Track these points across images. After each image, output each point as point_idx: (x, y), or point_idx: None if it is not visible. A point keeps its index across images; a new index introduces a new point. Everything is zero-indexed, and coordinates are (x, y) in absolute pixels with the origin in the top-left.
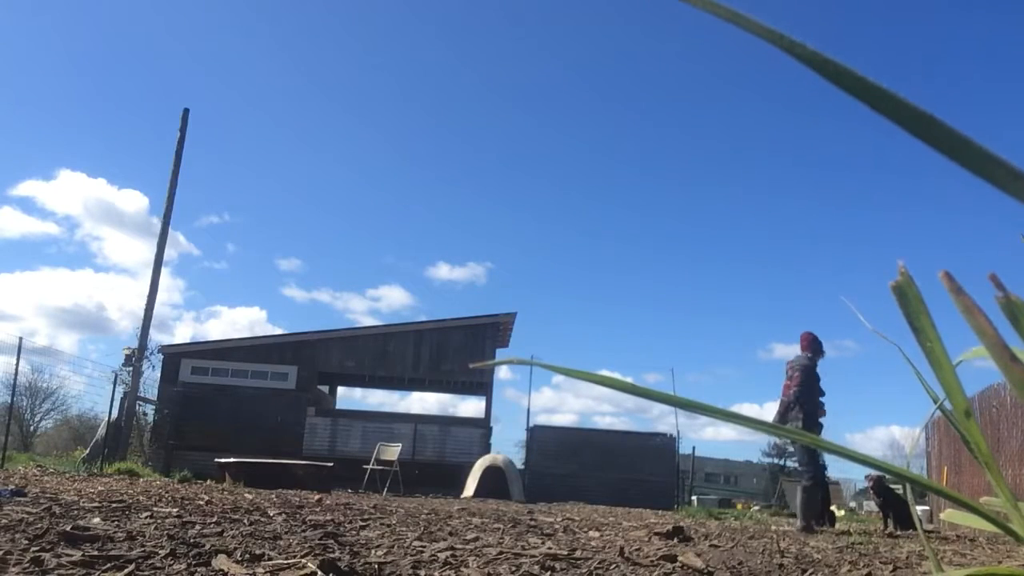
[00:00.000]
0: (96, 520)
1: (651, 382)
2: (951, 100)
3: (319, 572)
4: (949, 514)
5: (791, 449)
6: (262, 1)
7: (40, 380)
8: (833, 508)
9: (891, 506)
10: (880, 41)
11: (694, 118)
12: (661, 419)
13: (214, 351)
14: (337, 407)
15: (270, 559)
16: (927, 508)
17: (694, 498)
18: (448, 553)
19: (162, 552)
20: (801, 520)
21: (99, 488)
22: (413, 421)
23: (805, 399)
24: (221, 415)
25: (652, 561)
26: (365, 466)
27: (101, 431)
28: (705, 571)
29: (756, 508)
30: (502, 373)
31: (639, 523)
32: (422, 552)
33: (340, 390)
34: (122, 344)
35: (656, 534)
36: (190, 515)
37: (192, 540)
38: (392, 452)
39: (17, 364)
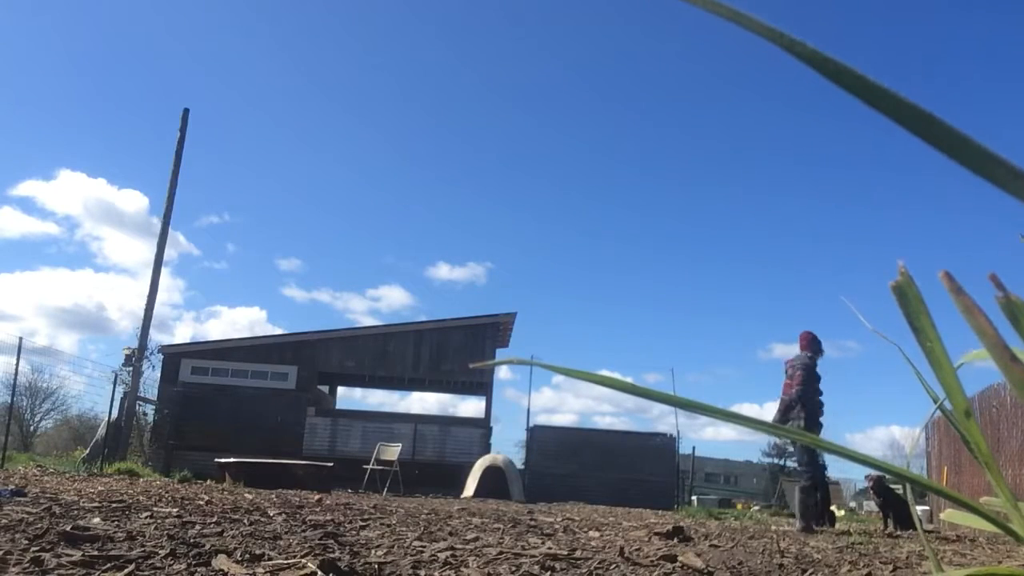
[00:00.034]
0: (96, 520)
1: (651, 382)
2: (951, 99)
3: (319, 572)
4: (949, 514)
5: (791, 449)
6: (262, 1)
7: (40, 380)
8: (833, 508)
9: (891, 506)
10: (880, 40)
11: (694, 118)
12: (661, 419)
13: (214, 351)
14: (337, 407)
15: (270, 559)
16: (927, 508)
17: (694, 498)
18: (448, 553)
19: (162, 552)
20: (800, 521)
21: (99, 488)
22: (413, 421)
23: (807, 398)
24: (221, 415)
25: (652, 561)
26: (365, 466)
27: (101, 431)
28: (705, 571)
29: (756, 508)
30: (502, 373)
31: (639, 523)
32: (422, 552)
33: (340, 390)
34: (122, 344)
35: (656, 534)
36: (190, 515)
37: (192, 540)
38: (392, 452)
39: (17, 364)
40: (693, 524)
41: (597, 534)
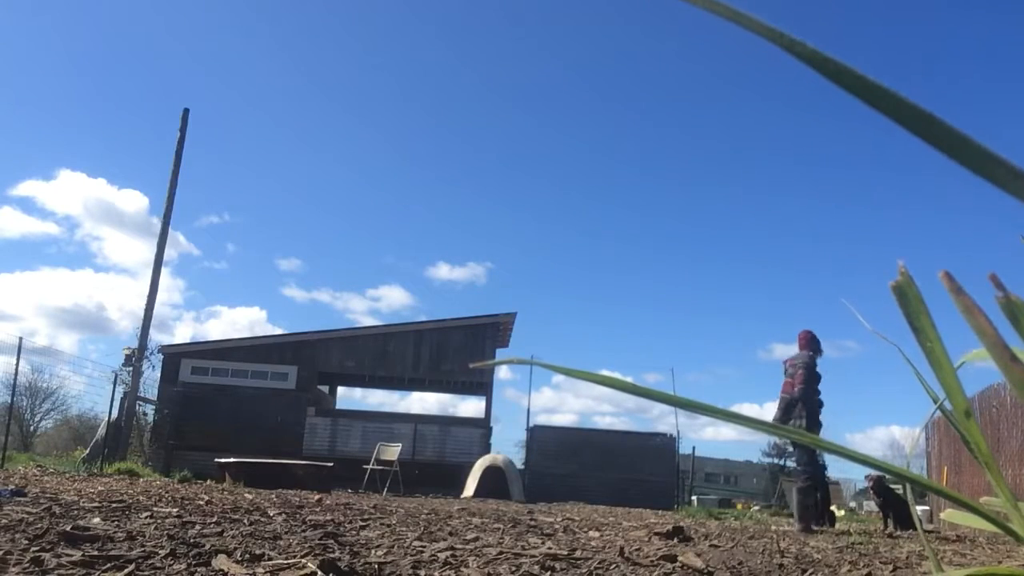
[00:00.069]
0: (96, 520)
1: (651, 382)
2: (951, 99)
3: (319, 572)
4: (949, 514)
5: (791, 449)
6: (262, 1)
7: (40, 380)
8: (833, 508)
9: (891, 506)
10: (880, 40)
11: (694, 118)
12: (661, 419)
13: (214, 351)
14: (337, 407)
15: (270, 559)
16: (927, 508)
17: (694, 498)
18: (448, 553)
19: (162, 552)
20: (798, 522)
21: (99, 488)
22: (413, 421)
23: (808, 398)
24: (221, 415)
25: (652, 561)
26: (365, 466)
27: (101, 431)
28: (705, 571)
29: (756, 508)
30: (502, 373)
31: (639, 523)
32: (422, 552)
33: (340, 390)
34: (122, 344)
35: (656, 534)
36: (190, 515)
37: (192, 540)
38: (392, 452)
39: (17, 364)
40: (693, 524)
41: (597, 534)
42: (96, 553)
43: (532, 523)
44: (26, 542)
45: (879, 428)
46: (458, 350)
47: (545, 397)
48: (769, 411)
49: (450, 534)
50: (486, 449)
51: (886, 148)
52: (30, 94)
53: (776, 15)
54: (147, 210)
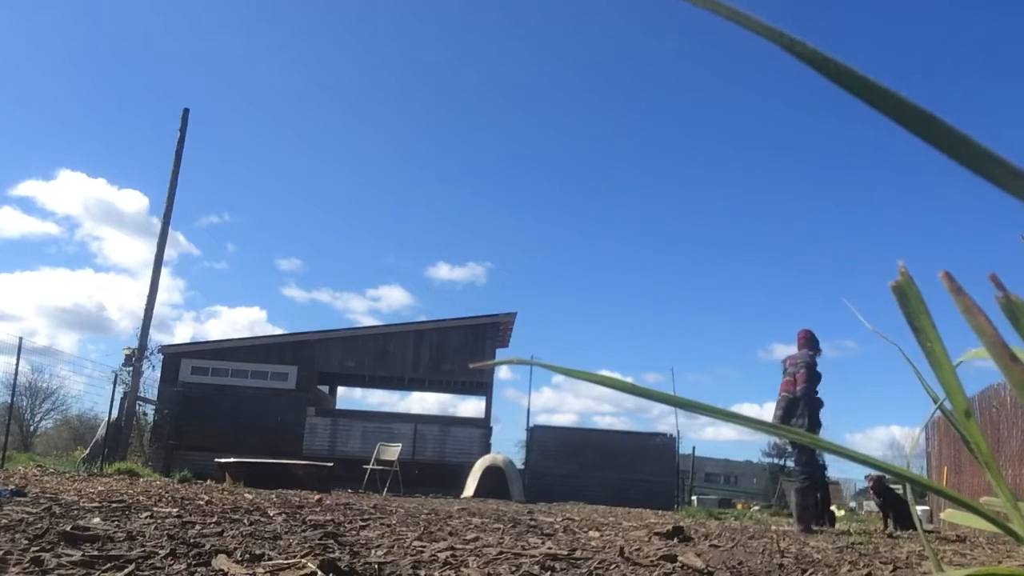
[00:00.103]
0: (96, 520)
1: (651, 382)
2: (951, 99)
3: (319, 572)
4: (949, 514)
5: (791, 449)
6: (262, 1)
7: (40, 380)
8: (833, 508)
9: (891, 506)
10: (880, 39)
11: (694, 118)
12: (661, 419)
13: (214, 351)
14: (337, 407)
15: (270, 559)
16: (927, 508)
17: (694, 498)
18: (448, 553)
19: (162, 552)
20: (798, 522)
21: (99, 488)
22: (413, 421)
23: (809, 397)
24: (221, 415)
25: (652, 561)
26: (365, 466)
27: (101, 431)
28: (705, 571)
29: (756, 508)
30: (502, 373)
31: (639, 523)
32: (422, 552)
33: (340, 390)
34: (122, 344)
35: (656, 534)
36: (190, 515)
37: (192, 540)
38: (392, 452)
39: (17, 364)
40: (693, 524)
41: (597, 534)
42: (96, 553)
43: (532, 523)
44: (26, 542)
45: (879, 428)
46: (458, 350)
47: (545, 397)
48: (769, 411)
49: (450, 534)
50: (486, 449)
51: (886, 148)
52: (30, 94)
53: (776, 15)
54: (147, 210)
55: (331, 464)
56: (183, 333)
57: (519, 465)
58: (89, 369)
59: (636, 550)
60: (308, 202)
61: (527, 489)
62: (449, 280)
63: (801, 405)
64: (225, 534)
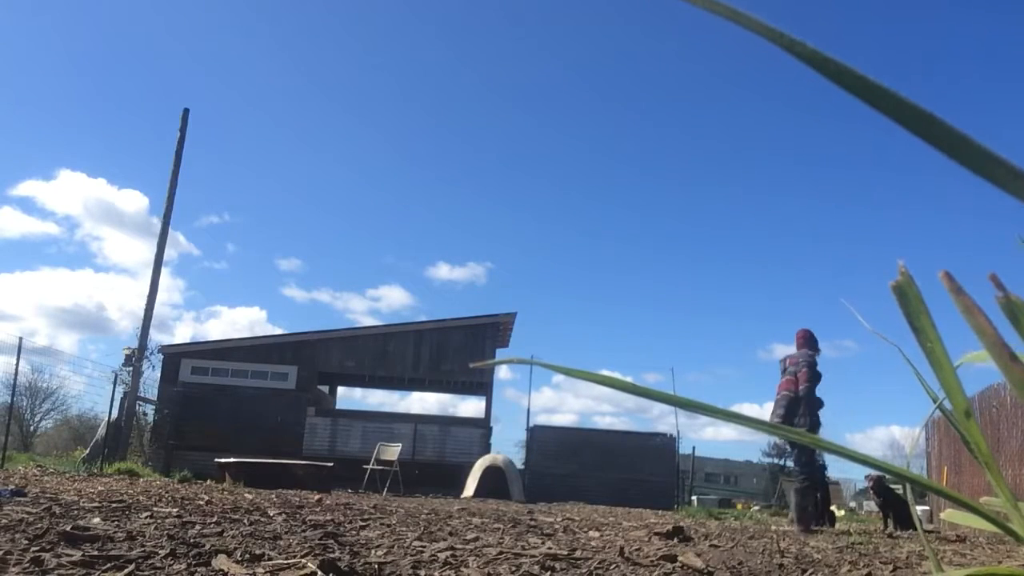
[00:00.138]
0: (96, 520)
1: (651, 382)
2: (951, 99)
3: (319, 572)
4: (949, 514)
5: (791, 449)
6: (262, 1)
7: (40, 380)
8: (833, 508)
9: (891, 506)
10: (880, 39)
11: (694, 118)
12: (661, 419)
13: (214, 351)
14: (337, 407)
15: (270, 559)
16: (927, 508)
17: (694, 498)
18: (448, 553)
19: (162, 552)
20: (797, 523)
21: (99, 488)
22: (413, 421)
23: (812, 396)
24: (221, 415)
25: (652, 561)
26: (365, 466)
27: (101, 431)
28: (705, 571)
29: (756, 508)
30: (502, 373)
31: (639, 523)
32: (422, 552)
33: (340, 390)
34: (122, 344)
35: (656, 534)
36: (190, 515)
37: (192, 540)
38: (392, 452)
39: (17, 364)
40: (693, 524)
41: (597, 534)
42: (96, 553)
43: (532, 523)
44: (26, 542)
45: (879, 428)
46: (458, 350)
47: (545, 397)
48: (769, 411)
49: (450, 534)
50: (486, 449)
51: (886, 148)
52: (30, 94)
53: (776, 15)
54: (147, 210)
55: (331, 464)
56: (183, 333)
57: (519, 465)
58: (89, 369)
59: (636, 550)
60: (308, 202)
61: (527, 489)
62: (449, 280)
63: (803, 405)
64: (225, 534)
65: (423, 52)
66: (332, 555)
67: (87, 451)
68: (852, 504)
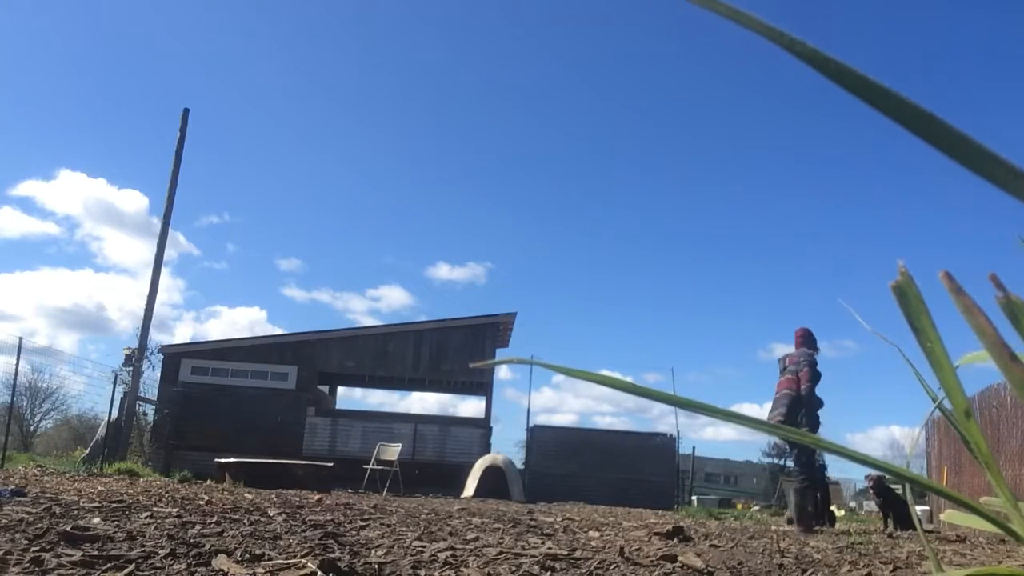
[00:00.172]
0: (96, 520)
1: (651, 382)
2: (951, 98)
3: (319, 572)
4: (949, 514)
5: (790, 449)
6: (262, 1)
7: (40, 380)
8: (833, 508)
9: (891, 506)
10: (880, 39)
11: (694, 118)
12: (661, 419)
13: (214, 351)
14: (337, 407)
15: (270, 559)
16: (927, 508)
17: (694, 498)
18: (448, 553)
19: (162, 552)
20: (797, 524)
21: (99, 488)
22: (413, 421)
23: (813, 396)
24: (221, 415)
25: (652, 561)
26: (365, 466)
27: (101, 431)
28: (705, 571)
29: (756, 508)
30: (502, 373)
31: (639, 523)
32: (422, 552)
33: (340, 390)
34: (122, 344)
35: (656, 534)
36: (190, 515)
37: (192, 540)
38: (392, 452)
39: (17, 364)
40: (693, 524)
41: (597, 534)
42: (96, 553)
43: (532, 523)
44: (26, 542)
45: (879, 428)
46: (458, 350)
47: (545, 397)
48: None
49: (450, 534)
50: (486, 449)
51: (886, 148)
52: (30, 94)
53: (776, 14)
54: (147, 210)
55: (331, 464)
56: (183, 333)
57: (519, 465)
58: (89, 369)
59: (636, 550)
60: (308, 202)
61: (527, 489)
62: (449, 280)
63: (804, 404)
64: (225, 534)
65: (423, 52)
66: (332, 555)
67: (87, 451)
68: (852, 504)
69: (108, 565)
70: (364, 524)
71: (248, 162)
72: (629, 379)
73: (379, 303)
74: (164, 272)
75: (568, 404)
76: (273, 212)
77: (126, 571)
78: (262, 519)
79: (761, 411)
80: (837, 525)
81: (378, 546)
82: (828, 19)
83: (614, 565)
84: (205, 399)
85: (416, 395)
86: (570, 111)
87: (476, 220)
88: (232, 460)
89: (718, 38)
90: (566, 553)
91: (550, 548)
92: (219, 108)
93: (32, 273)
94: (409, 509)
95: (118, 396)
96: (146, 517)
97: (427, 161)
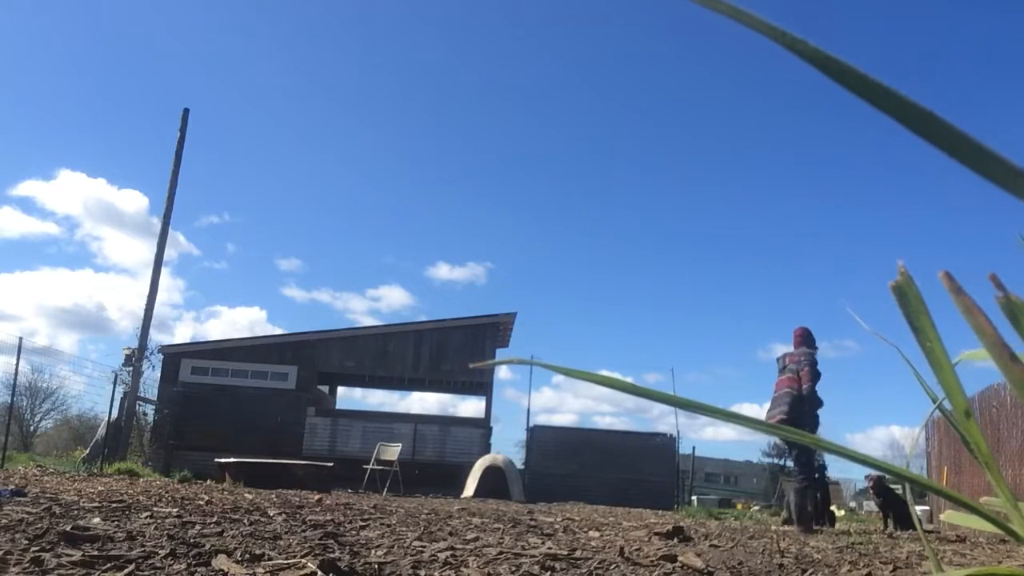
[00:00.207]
0: (96, 520)
1: (651, 382)
2: (951, 98)
3: (319, 572)
4: (949, 514)
5: (790, 449)
6: (262, 1)
7: (40, 380)
8: (833, 508)
9: (891, 506)
10: (880, 38)
11: (694, 118)
12: (661, 419)
13: (214, 351)
14: (337, 407)
15: (270, 559)
16: (927, 508)
17: (694, 498)
18: (448, 553)
19: (162, 552)
20: (797, 524)
21: (99, 488)
22: (413, 421)
23: (814, 395)
24: (221, 415)
25: (652, 561)
26: (365, 466)
27: (101, 431)
28: (705, 571)
29: (756, 508)
30: (502, 373)
31: (639, 523)
32: (422, 552)
33: (340, 390)
34: (122, 344)
35: (656, 534)
36: (190, 515)
37: (192, 540)
38: (392, 452)
39: (17, 364)
40: (693, 524)
41: (597, 534)
42: (96, 553)
43: (532, 523)
44: (26, 542)
45: (879, 428)
46: (458, 350)
47: (545, 397)
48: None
49: (450, 534)
50: (486, 449)
51: (886, 148)
52: (30, 94)
53: (777, 13)
54: (147, 210)
55: (331, 464)
56: (183, 333)
57: (519, 465)
58: (89, 369)
59: (636, 550)
60: (308, 202)
61: (527, 489)
62: (449, 280)
63: (805, 404)
64: (225, 534)
65: (423, 52)
66: (332, 555)
67: (87, 451)
68: (852, 504)
69: (108, 565)
70: (364, 524)
71: (248, 162)
72: (629, 379)
73: (379, 303)
74: (164, 272)
75: (568, 404)
76: (273, 212)
77: (126, 571)
78: (262, 519)
79: (761, 411)
80: (837, 525)
81: (378, 546)
82: (829, 18)
83: (614, 565)
84: (205, 399)
85: (416, 395)
86: (570, 111)
87: (476, 220)
88: (232, 460)
89: (718, 38)
90: (566, 553)
91: (550, 548)
92: (219, 108)
93: (32, 273)
94: (409, 509)
95: (118, 396)
96: (146, 517)
97: (427, 161)
